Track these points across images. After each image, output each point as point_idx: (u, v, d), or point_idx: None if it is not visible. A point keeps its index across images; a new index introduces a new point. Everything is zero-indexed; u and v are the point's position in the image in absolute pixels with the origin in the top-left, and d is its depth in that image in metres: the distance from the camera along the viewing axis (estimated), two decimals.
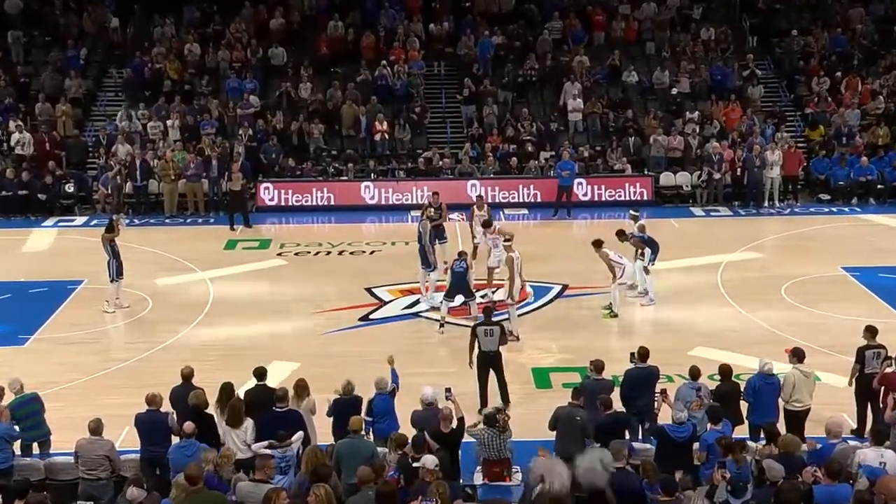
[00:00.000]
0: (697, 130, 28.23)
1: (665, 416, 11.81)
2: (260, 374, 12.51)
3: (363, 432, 11.36)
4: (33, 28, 31.44)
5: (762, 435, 12.02)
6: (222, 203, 25.99)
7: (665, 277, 19.52)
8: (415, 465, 10.17)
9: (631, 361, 12.88)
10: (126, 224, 22.09)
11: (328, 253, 22.69)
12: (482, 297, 18.20)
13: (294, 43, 31.17)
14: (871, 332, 13.31)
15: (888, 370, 12.67)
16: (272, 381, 12.74)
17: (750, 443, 11.46)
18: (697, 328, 17.49)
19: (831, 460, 9.91)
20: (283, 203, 26.77)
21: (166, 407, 11.86)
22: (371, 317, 18.35)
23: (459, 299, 17.57)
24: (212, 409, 11.84)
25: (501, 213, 25.02)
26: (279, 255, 22.51)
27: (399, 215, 25.74)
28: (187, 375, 12.40)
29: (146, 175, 26.38)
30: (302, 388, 12.19)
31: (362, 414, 11.79)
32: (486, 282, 18.78)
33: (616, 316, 17.98)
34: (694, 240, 23.37)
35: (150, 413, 11.64)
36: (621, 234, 18.55)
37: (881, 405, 12.62)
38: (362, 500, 9.46)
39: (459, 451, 11.50)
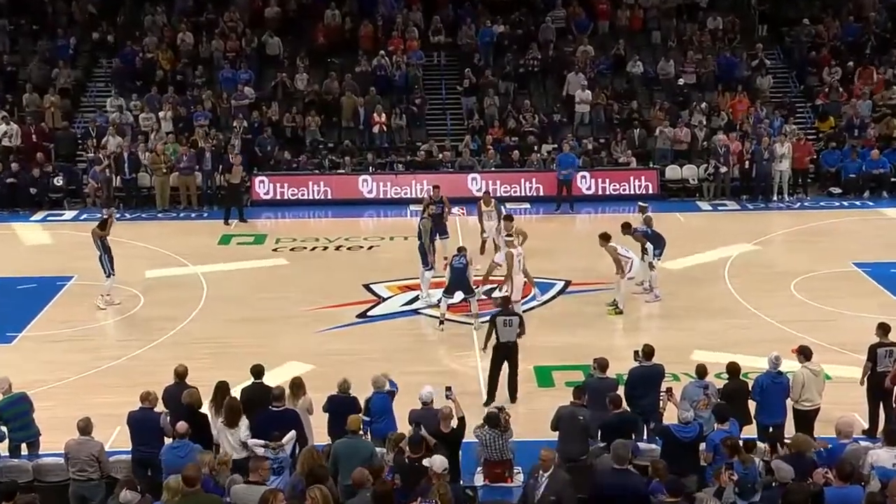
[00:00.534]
0: (704, 122, 27.84)
1: (671, 416, 11.66)
2: (257, 372, 12.35)
3: (361, 432, 11.17)
4: (20, 16, 30.99)
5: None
6: (216, 197, 25.69)
7: (671, 273, 19.32)
8: (424, 462, 10.01)
9: (635, 359, 12.72)
10: (117, 218, 21.74)
11: (325, 248, 22.45)
12: (484, 293, 17.79)
13: (290, 32, 30.83)
14: (883, 329, 13.14)
15: None
16: (281, 382, 12.46)
17: (759, 443, 11.16)
18: (704, 326, 17.21)
19: (842, 461, 9.74)
20: (278, 197, 26.40)
21: (161, 406, 11.69)
22: (369, 314, 18.12)
23: (459, 296, 17.25)
24: (206, 409, 11.69)
25: (503, 207, 24.60)
26: (274, 250, 22.28)
27: (398, 209, 25.53)
28: (181, 374, 12.24)
29: (135, 168, 25.94)
30: (298, 386, 11.98)
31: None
32: (481, 278, 17.90)
33: (621, 313, 17.73)
34: (701, 234, 23.07)
35: (142, 411, 11.47)
36: (626, 228, 18.21)
37: (894, 404, 12.63)
38: (360, 503, 9.32)
39: (460, 452, 11.31)
